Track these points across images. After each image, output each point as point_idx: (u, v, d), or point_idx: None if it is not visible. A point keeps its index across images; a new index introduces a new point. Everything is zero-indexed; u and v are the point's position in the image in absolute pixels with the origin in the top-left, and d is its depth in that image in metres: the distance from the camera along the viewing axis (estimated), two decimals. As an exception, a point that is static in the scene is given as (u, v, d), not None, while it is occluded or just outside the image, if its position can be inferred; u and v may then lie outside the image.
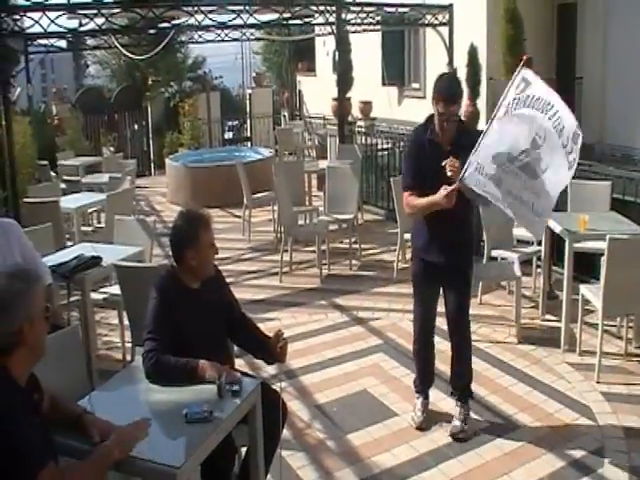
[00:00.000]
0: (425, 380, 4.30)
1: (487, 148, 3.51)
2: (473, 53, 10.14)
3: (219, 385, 2.84)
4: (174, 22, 10.99)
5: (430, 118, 3.86)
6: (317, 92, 16.61)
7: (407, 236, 6.69)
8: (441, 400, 4.44)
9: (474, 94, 10.13)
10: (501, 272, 5.83)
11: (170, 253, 3.24)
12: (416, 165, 3.84)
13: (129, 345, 4.85)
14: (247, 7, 9.57)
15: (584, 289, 5.01)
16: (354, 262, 7.31)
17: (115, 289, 5.05)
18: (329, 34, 10.84)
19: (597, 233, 5.09)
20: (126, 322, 4.71)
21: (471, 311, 5.43)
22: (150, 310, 3.08)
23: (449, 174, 3.59)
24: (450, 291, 4.06)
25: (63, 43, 17.10)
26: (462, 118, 3.90)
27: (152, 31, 11.65)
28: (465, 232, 4.05)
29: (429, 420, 4.21)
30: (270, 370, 4.90)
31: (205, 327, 3.18)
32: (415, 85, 14.61)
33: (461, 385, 4.20)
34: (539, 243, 5.94)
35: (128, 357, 4.99)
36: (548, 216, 3.89)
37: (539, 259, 6.02)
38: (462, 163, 3.57)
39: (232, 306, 3.43)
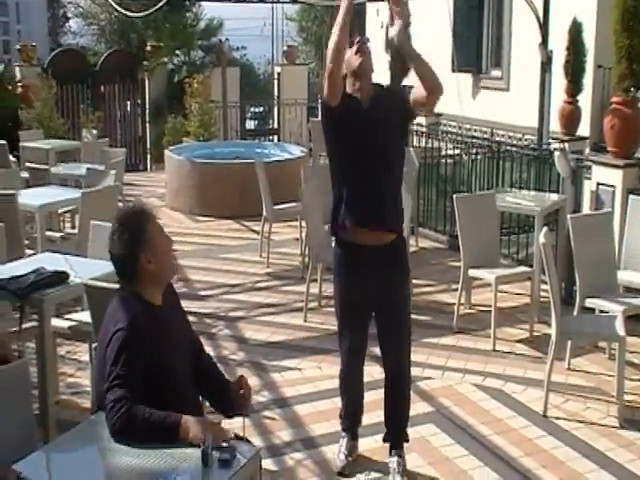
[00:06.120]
0: (352, 414, 4.65)
1: None
2: (576, 31, 10.03)
3: (204, 450, 2.82)
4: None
5: None
6: (366, 75, 16.70)
7: (473, 272, 6.66)
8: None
9: (575, 87, 10.03)
10: (598, 329, 5.68)
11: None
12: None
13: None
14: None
15: None
16: (411, 294, 7.27)
17: (86, 316, 5.05)
18: (383, 0, 10.87)
19: None
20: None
21: (556, 378, 5.40)
22: (117, 347, 3.03)
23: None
24: (383, 302, 4.41)
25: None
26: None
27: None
28: (397, 204, 4.42)
29: (354, 466, 4.51)
30: (283, 436, 4.93)
31: (179, 359, 3.24)
32: (496, 73, 14.61)
33: (397, 427, 4.56)
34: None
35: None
36: None
37: (653, 314, 5.89)
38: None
39: (192, 329, 3.55)
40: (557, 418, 5.15)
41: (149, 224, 3.24)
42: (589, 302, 5.89)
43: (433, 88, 4.13)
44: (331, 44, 4.06)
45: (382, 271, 4.32)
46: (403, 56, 4.36)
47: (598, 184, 7.11)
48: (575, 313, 5.89)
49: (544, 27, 10.99)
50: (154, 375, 3.06)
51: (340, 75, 4.14)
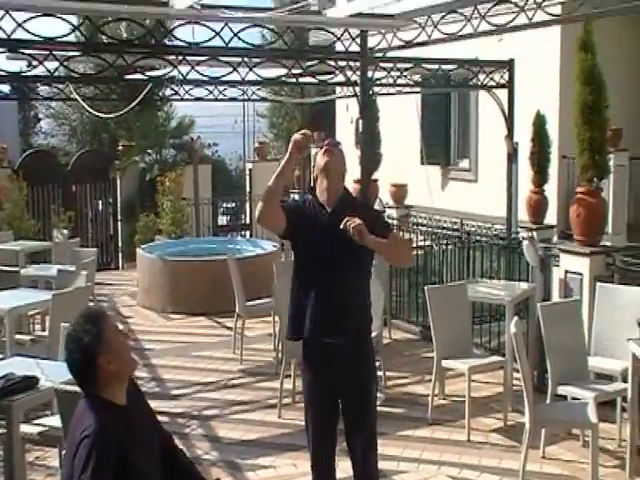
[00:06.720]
0: None
1: None
2: (540, 123, 10.36)
3: None
4: (151, 73, 11.39)
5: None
6: (337, 169, 16.99)
7: (446, 363, 6.73)
8: None
9: (541, 177, 10.31)
10: (571, 416, 5.75)
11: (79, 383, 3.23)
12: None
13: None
14: (246, 59, 9.90)
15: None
16: (377, 394, 7.28)
17: (56, 420, 5.04)
18: (352, 96, 11.22)
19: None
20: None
21: (531, 467, 5.42)
22: (85, 455, 2.99)
23: (355, 237, 4.10)
24: (347, 401, 4.46)
25: (5, 87, 17.42)
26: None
27: (122, 83, 11.99)
28: (358, 311, 4.45)
29: None
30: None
31: (148, 457, 3.23)
32: (463, 164, 14.94)
33: None
34: (625, 380, 5.89)
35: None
36: None
37: (625, 400, 5.95)
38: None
39: (160, 426, 3.53)
40: (533, 509, 5.17)
41: (104, 324, 3.24)
42: (561, 389, 5.97)
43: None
44: (267, 186, 4.29)
45: (347, 369, 4.39)
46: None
47: (566, 272, 7.27)
48: (548, 401, 5.96)
49: (509, 120, 11.35)
50: (123, 477, 3.05)
51: (272, 213, 4.32)
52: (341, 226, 4.14)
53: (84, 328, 3.20)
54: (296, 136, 4.29)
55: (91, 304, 9.30)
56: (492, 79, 11.50)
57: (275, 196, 4.30)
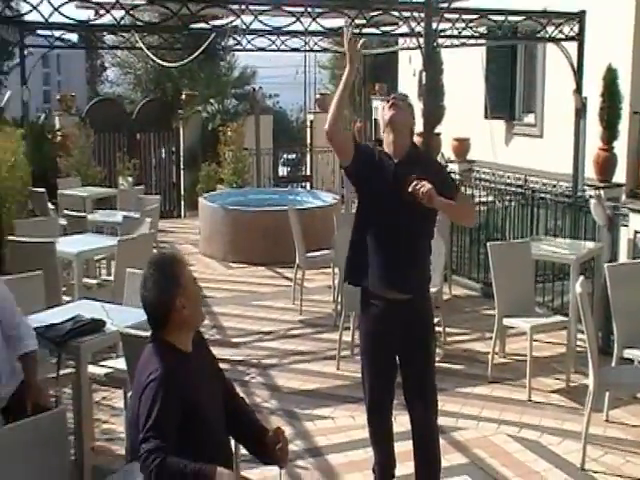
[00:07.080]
0: (383, 466, 4.58)
1: None
2: (611, 78, 10.08)
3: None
4: (215, 23, 11.32)
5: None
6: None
7: (508, 321, 6.62)
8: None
9: (611, 134, 10.04)
10: (637, 380, 5.64)
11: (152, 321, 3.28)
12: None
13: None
14: (309, 10, 9.77)
15: None
16: (435, 350, 7.22)
17: (121, 363, 5.11)
18: (416, 48, 11.03)
19: None
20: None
21: (594, 431, 5.32)
22: (151, 397, 3.06)
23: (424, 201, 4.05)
24: (405, 356, 4.43)
25: (73, 36, 17.59)
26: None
27: (186, 32, 11.97)
28: (420, 266, 4.40)
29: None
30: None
31: (211, 403, 3.26)
32: (528, 119, 14.63)
33: None
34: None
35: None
36: None
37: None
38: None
39: (222, 373, 3.55)
40: (595, 472, 5.06)
41: (184, 270, 3.28)
42: (627, 353, 5.79)
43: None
44: (335, 95, 4.27)
45: (405, 324, 4.34)
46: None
47: (636, 232, 7.06)
48: (613, 364, 5.81)
49: (578, 73, 11.03)
50: (187, 421, 3.09)
51: (339, 143, 4.33)
52: (409, 189, 4.06)
53: (164, 270, 3.25)
54: (345, 46, 4.26)
55: (155, 251, 9.38)
56: (561, 31, 11.17)
57: (341, 107, 4.27)
